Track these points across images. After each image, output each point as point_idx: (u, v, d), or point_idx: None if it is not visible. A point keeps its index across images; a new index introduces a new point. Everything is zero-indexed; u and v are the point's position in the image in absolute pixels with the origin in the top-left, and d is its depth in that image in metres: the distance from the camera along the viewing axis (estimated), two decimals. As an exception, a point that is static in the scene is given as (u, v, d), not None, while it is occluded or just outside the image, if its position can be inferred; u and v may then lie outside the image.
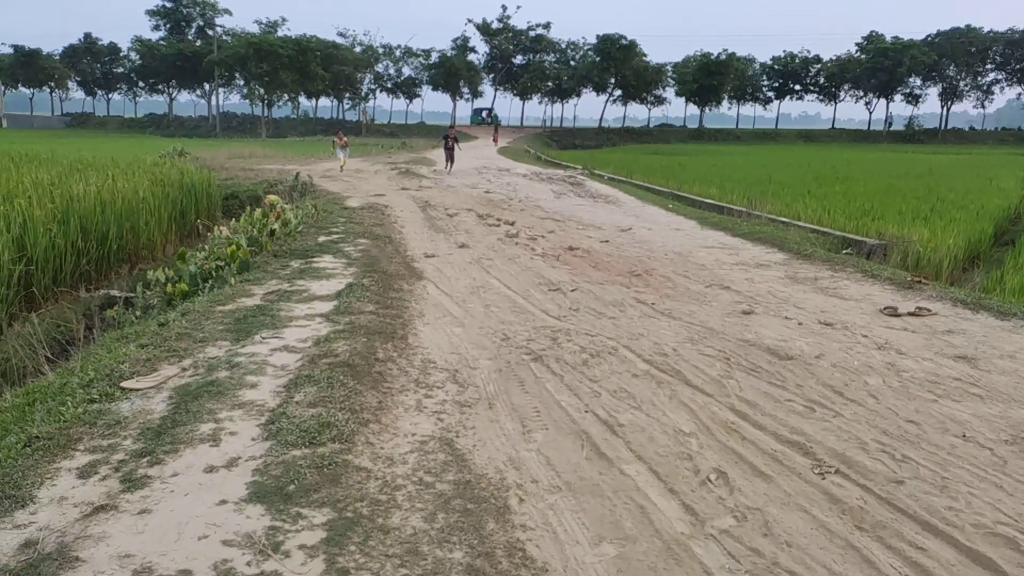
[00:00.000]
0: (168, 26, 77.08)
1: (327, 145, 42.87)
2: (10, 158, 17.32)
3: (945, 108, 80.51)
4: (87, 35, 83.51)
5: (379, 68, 79.23)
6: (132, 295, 8.92)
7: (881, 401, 4.82)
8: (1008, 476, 3.79)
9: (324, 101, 79.95)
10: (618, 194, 19.46)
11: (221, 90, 76.31)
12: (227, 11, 75.16)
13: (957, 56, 74.89)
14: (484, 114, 78.09)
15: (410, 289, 7.89)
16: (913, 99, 79.63)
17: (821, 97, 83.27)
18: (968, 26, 75.62)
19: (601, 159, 36.04)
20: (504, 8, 78.51)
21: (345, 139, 25.54)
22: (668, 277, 8.82)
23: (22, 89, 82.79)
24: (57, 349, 7.59)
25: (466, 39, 79.47)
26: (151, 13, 76.43)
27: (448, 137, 24.98)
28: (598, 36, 76.34)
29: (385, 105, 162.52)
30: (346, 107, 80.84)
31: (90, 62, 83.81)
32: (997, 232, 14.14)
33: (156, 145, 36.67)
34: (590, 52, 78.41)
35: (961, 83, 78.78)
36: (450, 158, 24.56)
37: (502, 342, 6.04)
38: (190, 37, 77.25)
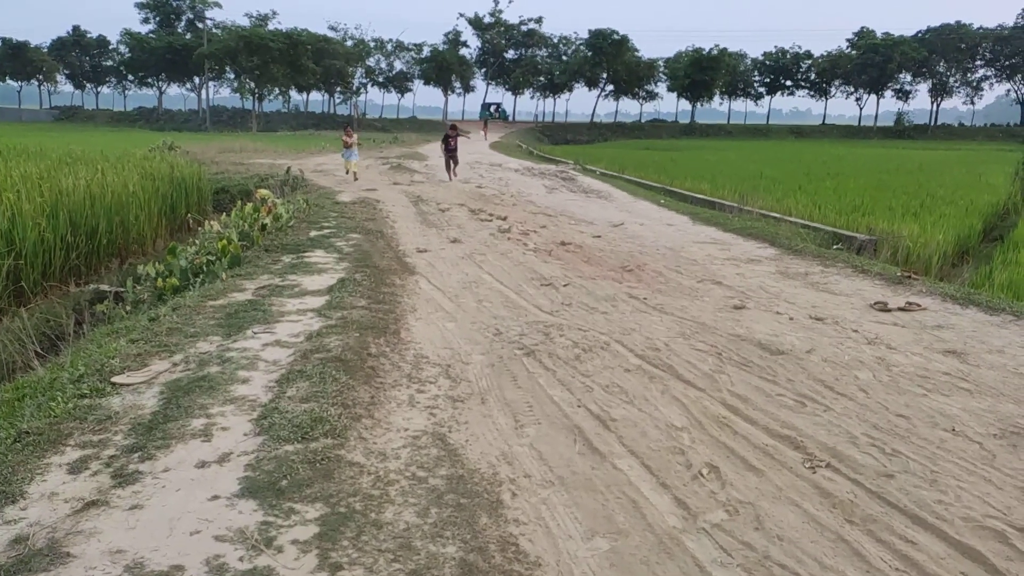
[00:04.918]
0: (157, 19, 76.46)
1: (318, 139, 42.58)
2: (-2, 152, 17.16)
3: (935, 104, 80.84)
4: (75, 27, 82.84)
5: (370, 62, 78.98)
6: (122, 290, 8.87)
7: (871, 395, 4.84)
8: (997, 470, 3.82)
9: (315, 95, 79.64)
10: (610, 189, 19.47)
11: (211, 84, 75.91)
12: (217, 4, 74.73)
13: (947, 52, 75.18)
14: (492, 109, 77.67)
15: (402, 284, 7.88)
16: (903, 95, 79.94)
17: (812, 93, 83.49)
18: (958, 22, 75.90)
19: (593, 154, 36.06)
20: (496, 2, 78.45)
21: (355, 137, 19.66)
22: (660, 272, 8.84)
23: (10, 82, 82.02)
24: (47, 344, 7.54)
25: (458, 33, 79.38)
26: (140, 6, 75.83)
27: (449, 137, 20.08)
28: (590, 31, 76.36)
29: (376, 99, 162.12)
30: (337, 101, 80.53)
31: (79, 55, 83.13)
32: (986, 228, 14.23)
33: (145, 139, 36.43)
34: (582, 47, 78.40)
35: (951, 79, 79.07)
36: (452, 161, 20.07)
37: (494, 337, 6.04)
38: (180, 30, 76.68)
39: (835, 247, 11.37)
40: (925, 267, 10.70)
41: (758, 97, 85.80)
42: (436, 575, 2.81)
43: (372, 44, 77.90)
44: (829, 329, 6.45)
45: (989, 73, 78.92)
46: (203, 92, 74.98)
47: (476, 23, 78.82)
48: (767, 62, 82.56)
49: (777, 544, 3.13)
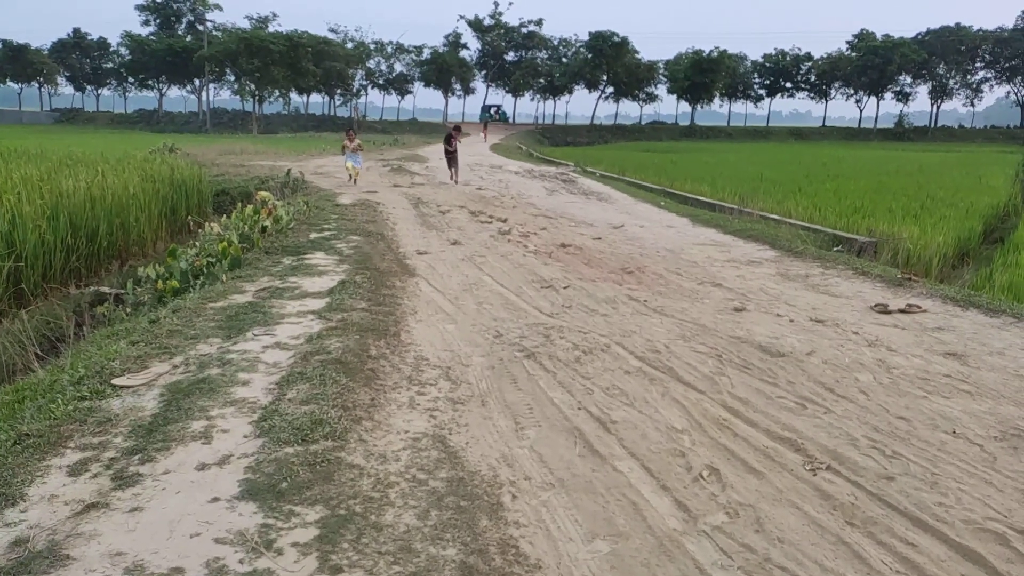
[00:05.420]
0: (158, 21, 76.48)
1: (319, 142, 42.61)
2: (-2, 154, 17.18)
3: (935, 106, 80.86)
4: (76, 30, 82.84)
5: (371, 64, 78.97)
6: (122, 292, 8.87)
7: (872, 398, 4.84)
8: (997, 472, 3.81)
9: (315, 97, 79.68)
10: (610, 191, 19.47)
11: (212, 86, 75.90)
12: (217, 6, 74.63)
13: (947, 54, 75.22)
14: (492, 111, 77.52)
15: (402, 286, 7.88)
16: (903, 97, 79.95)
17: (812, 95, 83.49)
18: (958, 24, 75.94)
19: (593, 156, 36.06)
20: (496, 5, 78.34)
21: (357, 141, 19.01)
22: (660, 274, 8.84)
23: (10, 84, 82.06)
24: (47, 346, 7.55)
25: (458, 35, 79.41)
26: (140, 8, 75.89)
27: (452, 138, 20.09)
28: (590, 33, 76.26)
29: (377, 101, 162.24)
30: (337, 103, 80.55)
31: (79, 57, 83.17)
32: (986, 230, 14.22)
33: (146, 141, 36.45)
34: (582, 49, 78.36)
35: (951, 81, 79.10)
36: (453, 164, 19.82)
37: (495, 339, 6.04)
38: (180, 32, 76.68)
39: (835, 249, 11.38)
40: (925, 269, 10.70)
41: (758, 99, 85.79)
42: (436, 578, 2.81)
43: (372, 46, 77.93)
44: (829, 331, 6.45)
45: (989, 75, 79.01)
46: (203, 94, 75.06)
47: (476, 25, 78.85)
48: (767, 64, 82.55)
49: (778, 546, 3.13)
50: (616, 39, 74.67)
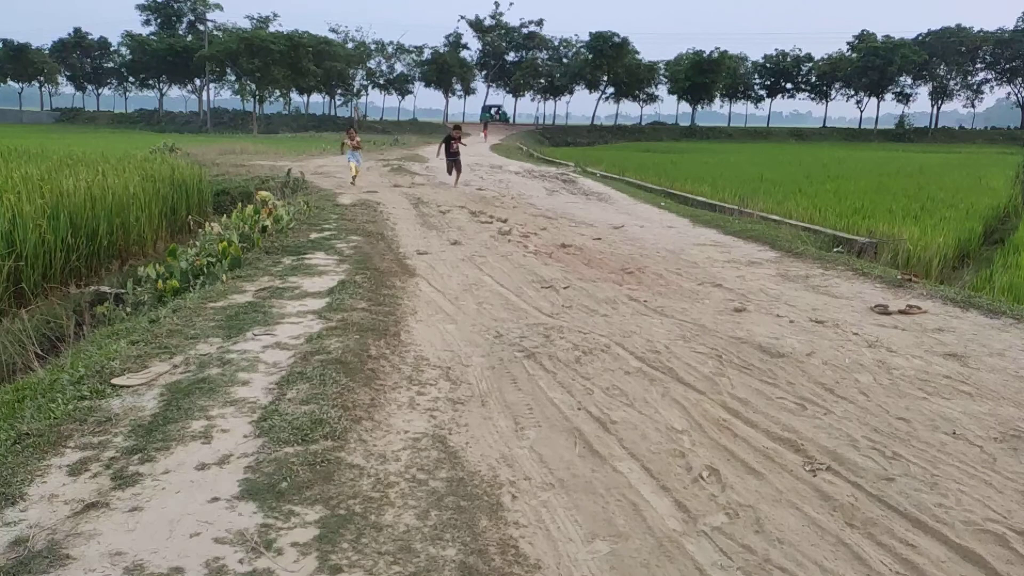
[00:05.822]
0: (158, 21, 76.55)
1: (319, 142, 42.63)
2: (-1, 153, 17.19)
3: (935, 107, 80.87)
4: (77, 29, 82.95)
5: (371, 64, 79.00)
6: (123, 291, 8.88)
7: (871, 399, 4.84)
8: (997, 473, 3.81)
9: (316, 97, 79.77)
10: (610, 191, 19.47)
11: (212, 86, 75.96)
12: (218, 6, 74.81)
13: (948, 55, 75.26)
14: (493, 111, 77.54)
15: (403, 286, 7.88)
16: (904, 98, 79.97)
17: (812, 96, 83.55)
18: (959, 25, 75.97)
19: (593, 156, 36.08)
20: (497, 5, 78.43)
21: (357, 139, 18.73)
22: (660, 275, 8.83)
23: (11, 84, 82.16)
24: (47, 346, 7.55)
25: (458, 36, 79.53)
26: (141, 8, 75.95)
27: (453, 139, 18.94)
28: (591, 34, 76.33)
29: (377, 102, 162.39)
30: (338, 103, 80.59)
31: (80, 57, 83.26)
32: (987, 231, 14.23)
33: (146, 140, 36.46)
34: (583, 49, 78.43)
35: (951, 82, 79.15)
36: (455, 167, 18.93)
37: (495, 339, 6.04)
38: (181, 32, 76.76)
39: (835, 250, 11.37)
40: (925, 270, 10.70)
41: (758, 100, 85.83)
42: (436, 578, 2.81)
43: (373, 46, 77.94)
44: (829, 332, 6.45)
45: (989, 76, 79.08)
46: (204, 94, 75.15)
47: (477, 25, 78.93)
48: (767, 65, 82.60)
49: (777, 547, 3.13)
50: (617, 39, 74.71)
